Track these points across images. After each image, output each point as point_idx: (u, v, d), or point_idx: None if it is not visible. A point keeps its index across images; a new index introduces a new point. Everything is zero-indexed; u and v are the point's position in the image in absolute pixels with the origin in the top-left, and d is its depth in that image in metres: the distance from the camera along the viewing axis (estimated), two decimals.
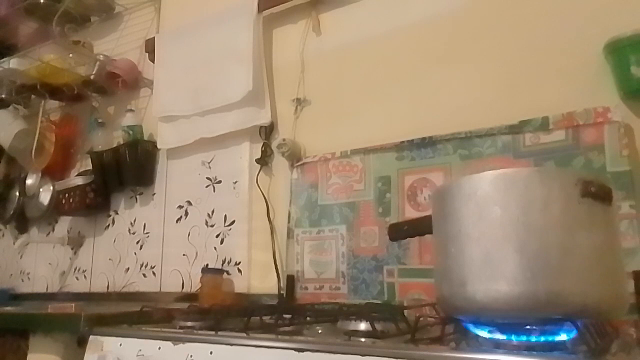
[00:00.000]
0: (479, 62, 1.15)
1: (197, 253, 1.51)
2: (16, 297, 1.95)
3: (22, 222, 2.01)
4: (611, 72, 0.98)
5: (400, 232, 0.84)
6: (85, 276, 1.79)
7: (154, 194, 1.66)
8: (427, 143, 1.13)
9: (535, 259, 0.60)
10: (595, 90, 1.00)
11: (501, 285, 0.60)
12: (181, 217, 1.57)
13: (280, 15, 1.47)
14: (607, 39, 0.97)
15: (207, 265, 1.45)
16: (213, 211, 1.50)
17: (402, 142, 1.16)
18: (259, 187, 1.42)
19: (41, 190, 1.82)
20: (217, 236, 1.47)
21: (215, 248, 1.47)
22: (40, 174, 1.84)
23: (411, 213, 1.12)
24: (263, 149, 1.43)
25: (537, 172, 0.70)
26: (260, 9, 1.44)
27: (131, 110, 1.70)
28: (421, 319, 0.69)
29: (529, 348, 0.58)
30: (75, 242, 1.84)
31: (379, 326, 0.72)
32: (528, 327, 0.61)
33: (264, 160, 1.42)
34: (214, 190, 1.52)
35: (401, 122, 1.22)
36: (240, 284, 1.39)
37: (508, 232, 0.62)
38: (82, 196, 1.72)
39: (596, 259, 0.61)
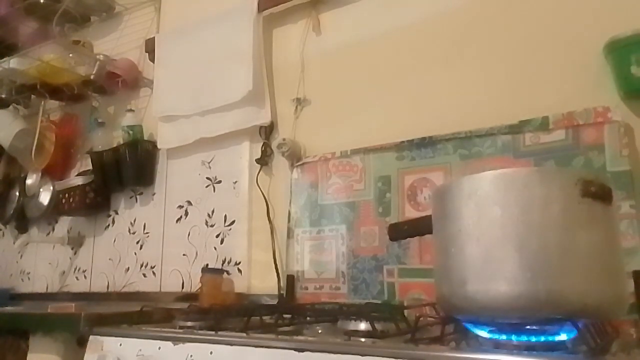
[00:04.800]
0: (479, 62, 1.15)
1: (197, 253, 1.51)
2: (16, 297, 1.95)
3: (22, 222, 2.01)
4: (611, 72, 0.98)
5: (400, 232, 0.84)
6: (85, 276, 1.79)
7: (154, 194, 1.66)
8: (427, 143, 1.13)
9: (535, 259, 0.60)
10: (595, 90, 1.00)
11: (501, 285, 0.60)
12: (181, 217, 1.57)
13: (280, 15, 1.47)
14: (607, 39, 0.97)
15: (207, 265, 1.45)
16: (213, 211, 1.50)
17: (402, 142, 1.16)
18: (259, 187, 1.42)
19: (41, 190, 1.82)
20: (217, 236, 1.47)
21: (215, 248, 1.47)
22: (40, 174, 1.84)
23: (411, 213, 1.12)
24: (263, 148, 1.43)
25: (537, 172, 0.70)
26: (260, 9, 1.44)
27: (131, 110, 1.70)
28: (421, 319, 0.69)
29: (529, 348, 0.58)
30: (75, 242, 1.84)
31: (379, 326, 0.72)
32: (528, 327, 0.61)
33: (264, 160, 1.42)
34: (214, 190, 1.52)
35: (401, 122, 1.22)
36: (240, 284, 1.39)
37: (508, 232, 0.62)
38: (82, 196, 1.72)
39: (596, 259, 0.61)
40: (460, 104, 1.15)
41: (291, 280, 1.25)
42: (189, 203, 1.56)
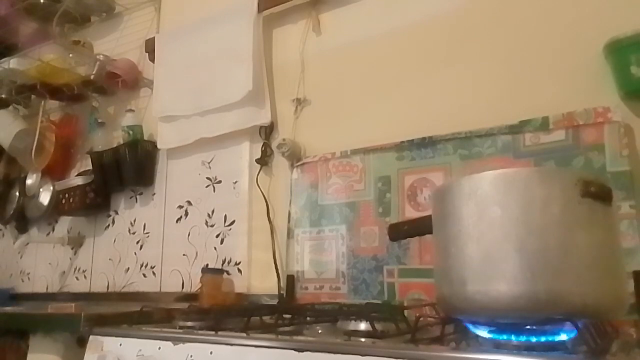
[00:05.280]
0: (478, 62, 1.15)
1: (197, 253, 1.51)
2: (16, 297, 1.95)
3: (22, 222, 2.01)
4: (611, 72, 0.98)
5: (400, 232, 0.84)
6: (85, 276, 1.79)
7: (154, 194, 1.66)
8: (427, 143, 1.13)
9: (535, 259, 0.60)
10: (595, 90, 1.00)
11: (501, 285, 0.60)
12: (181, 217, 1.57)
13: (280, 15, 1.47)
14: (607, 39, 0.97)
15: (207, 265, 1.45)
16: (213, 211, 1.50)
17: (402, 142, 1.16)
18: (259, 187, 1.42)
19: (41, 190, 1.82)
20: (217, 236, 1.47)
21: (215, 248, 1.47)
22: (40, 174, 1.84)
23: (411, 213, 1.12)
24: (263, 149, 1.43)
25: (537, 172, 0.70)
26: (260, 9, 1.44)
27: (131, 110, 1.70)
28: (421, 319, 0.69)
29: (529, 348, 0.58)
30: (75, 242, 1.84)
31: (379, 326, 0.72)
32: (528, 327, 0.61)
33: (264, 160, 1.42)
34: (214, 190, 1.52)
35: (401, 122, 1.22)
36: (240, 284, 1.39)
37: (508, 232, 0.62)
38: (82, 196, 1.72)
39: (596, 259, 0.61)
40: (460, 104, 1.15)
41: (291, 280, 1.25)
42: (189, 203, 1.56)
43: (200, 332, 0.81)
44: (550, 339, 0.60)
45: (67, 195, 1.76)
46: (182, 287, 1.51)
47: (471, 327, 0.67)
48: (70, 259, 1.86)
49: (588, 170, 0.94)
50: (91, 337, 0.91)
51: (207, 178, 1.54)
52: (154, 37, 1.67)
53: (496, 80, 1.12)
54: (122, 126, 1.68)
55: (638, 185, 0.91)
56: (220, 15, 1.51)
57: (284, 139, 1.34)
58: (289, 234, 1.29)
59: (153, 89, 1.64)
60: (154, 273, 1.59)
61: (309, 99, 1.40)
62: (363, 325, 0.74)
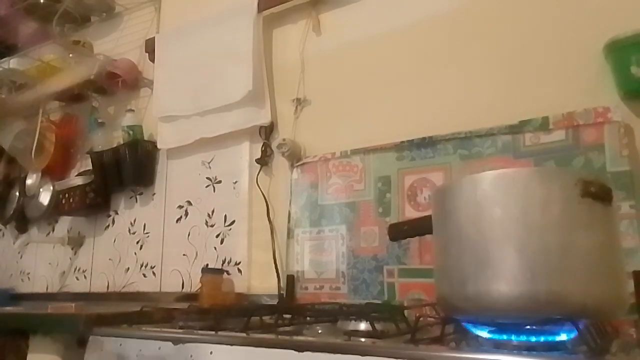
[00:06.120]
0: (478, 62, 1.15)
1: (197, 253, 1.51)
2: (16, 297, 1.95)
3: (22, 222, 2.01)
4: (611, 72, 0.98)
5: (400, 232, 0.84)
6: (85, 276, 1.79)
7: (154, 194, 1.66)
8: (427, 143, 1.13)
9: (535, 259, 0.60)
10: (595, 90, 1.00)
11: (501, 285, 0.60)
12: (181, 217, 1.57)
13: (280, 15, 1.47)
14: (607, 39, 0.97)
15: (207, 265, 1.45)
16: (213, 211, 1.50)
17: (402, 142, 1.16)
18: (259, 187, 1.42)
19: (41, 190, 1.82)
20: (217, 236, 1.47)
21: (215, 248, 1.47)
22: (40, 174, 1.84)
23: (411, 213, 1.12)
24: (263, 149, 1.43)
25: (537, 172, 0.70)
26: (260, 9, 1.44)
27: (131, 110, 1.70)
28: (421, 319, 0.69)
29: (529, 348, 0.58)
30: (75, 242, 1.84)
31: (379, 326, 0.72)
32: (528, 327, 0.61)
33: (264, 160, 1.42)
34: (214, 190, 1.52)
35: (401, 122, 1.22)
36: (240, 284, 1.39)
37: (508, 232, 0.62)
38: (82, 196, 1.72)
39: (596, 259, 0.61)
40: (460, 104, 1.15)
41: (291, 280, 1.25)
42: (189, 203, 1.56)
43: (200, 332, 0.81)
44: (550, 339, 0.60)
45: (67, 195, 1.76)
46: (182, 287, 1.51)
47: (471, 327, 0.67)
48: (70, 259, 1.86)
49: (588, 170, 0.94)
50: (91, 337, 0.91)
51: (207, 178, 1.54)
52: (154, 37, 1.67)
53: (496, 80, 1.12)
54: (122, 126, 1.68)
55: (638, 185, 0.91)
56: (220, 15, 1.51)
57: (284, 139, 1.34)
58: (289, 234, 1.29)
59: (153, 89, 1.64)
60: (154, 273, 1.59)
61: (309, 99, 1.40)
62: (363, 325, 0.74)
